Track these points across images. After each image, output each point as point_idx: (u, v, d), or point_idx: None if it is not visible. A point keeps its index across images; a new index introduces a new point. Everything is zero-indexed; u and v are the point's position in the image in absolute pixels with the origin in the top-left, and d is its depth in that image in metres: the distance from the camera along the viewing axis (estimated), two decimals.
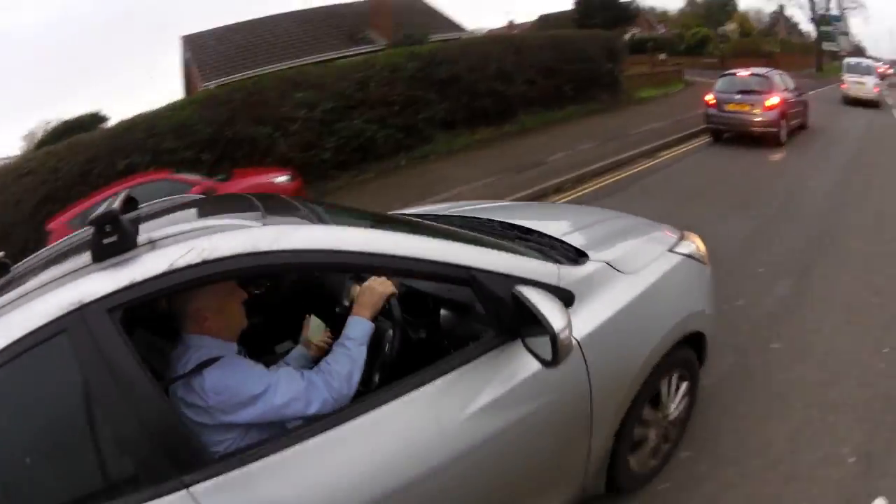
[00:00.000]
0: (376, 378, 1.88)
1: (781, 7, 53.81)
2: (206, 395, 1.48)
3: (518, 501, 1.93)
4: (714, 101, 11.33)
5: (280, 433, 1.52)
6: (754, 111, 10.77)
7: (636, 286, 2.21)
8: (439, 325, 2.10)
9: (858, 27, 70.73)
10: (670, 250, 2.53)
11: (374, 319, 1.84)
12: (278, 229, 1.57)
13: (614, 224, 2.87)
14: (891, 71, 54.01)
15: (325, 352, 1.84)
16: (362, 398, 1.60)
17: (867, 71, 21.76)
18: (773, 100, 10.74)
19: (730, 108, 11.08)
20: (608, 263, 2.19)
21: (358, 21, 20.60)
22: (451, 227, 2.43)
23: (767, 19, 60.17)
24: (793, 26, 59.35)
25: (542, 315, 1.60)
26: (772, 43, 46.32)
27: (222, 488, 1.35)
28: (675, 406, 2.53)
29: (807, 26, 49.45)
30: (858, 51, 62.36)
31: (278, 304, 2.65)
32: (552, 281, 1.92)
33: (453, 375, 1.69)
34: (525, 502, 1.95)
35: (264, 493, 1.38)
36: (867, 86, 20.73)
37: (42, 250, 2.13)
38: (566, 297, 1.92)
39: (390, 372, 1.86)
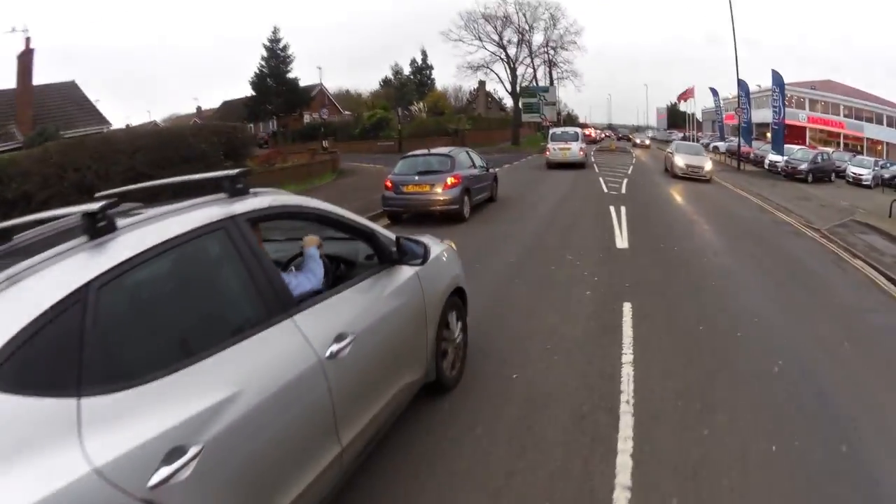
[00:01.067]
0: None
1: (482, 83, 54.93)
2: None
3: (404, 364, 3.32)
4: (391, 184, 11.31)
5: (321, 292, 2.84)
6: (435, 190, 10.95)
7: (436, 250, 3.98)
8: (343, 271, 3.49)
9: (571, 95, 74.52)
10: (442, 242, 4.34)
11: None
12: (302, 197, 3.01)
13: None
14: (604, 135, 59.82)
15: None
16: (343, 283, 2.98)
17: (574, 137, 24.76)
18: (454, 178, 11.08)
19: (408, 189, 11.14)
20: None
21: (6, 112, 18.91)
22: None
23: (468, 96, 61.65)
24: (495, 101, 61.21)
25: (419, 240, 3.32)
26: (461, 121, 46.28)
27: (308, 316, 2.54)
28: (457, 332, 4.19)
29: (511, 100, 51.46)
30: (570, 119, 67.38)
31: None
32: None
33: (371, 279, 3.16)
34: (406, 367, 3.35)
35: (324, 318, 2.64)
36: (572, 150, 23.69)
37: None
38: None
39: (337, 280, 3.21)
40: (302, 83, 46.37)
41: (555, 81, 50.86)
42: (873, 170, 28.09)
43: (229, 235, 2.35)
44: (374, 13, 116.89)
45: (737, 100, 34.05)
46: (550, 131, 27.54)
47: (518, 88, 49.03)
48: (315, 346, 2.49)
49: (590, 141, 42.01)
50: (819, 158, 27.62)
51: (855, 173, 27.98)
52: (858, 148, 45.51)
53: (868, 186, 26.30)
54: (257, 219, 2.57)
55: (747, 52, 74.14)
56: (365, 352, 2.80)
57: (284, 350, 2.36)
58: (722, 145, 40.25)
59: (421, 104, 51.36)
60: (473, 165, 12.57)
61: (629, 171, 23.79)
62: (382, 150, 35.92)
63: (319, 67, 57.61)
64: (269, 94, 42.54)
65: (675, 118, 72.84)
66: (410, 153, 12.66)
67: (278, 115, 42.50)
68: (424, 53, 58.85)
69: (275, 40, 43.08)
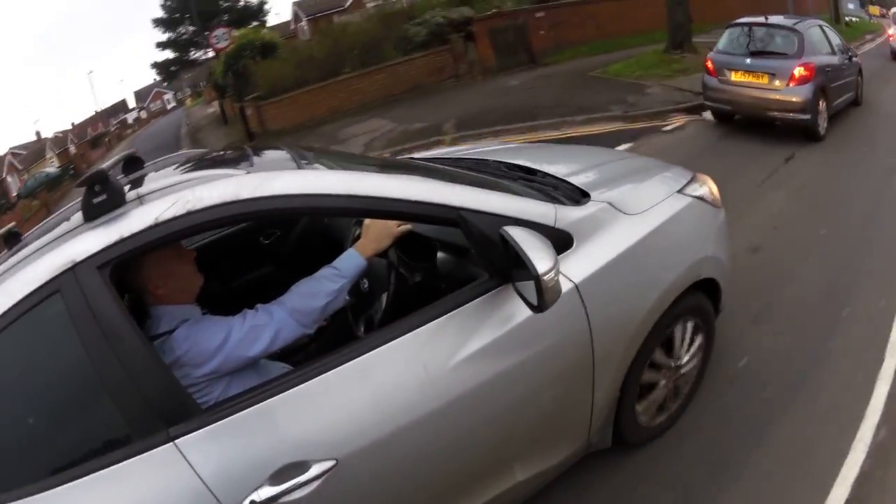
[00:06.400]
0: (362, 326, 1.96)
1: None
2: (175, 352, 1.50)
3: (519, 455, 1.88)
4: (713, 66, 7.63)
5: (264, 382, 1.50)
6: (774, 85, 6.95)
7: (641, 227, 2.09)
8: (437, 269, 2.03)
9: None
10: (680, 191, 2.38)
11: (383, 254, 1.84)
12: (261, 176, 1.56)
13: (622, 164, 2.75)
14: None
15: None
16: (349, 345, 1.57)
17: None
18: (804, 68, 6.85)
19: (735, 77, 7.33)
20: (611, 204, 2.07)
21: None
22: (442, 168, 2.35)
23: None
24: None
25: (526, 256, 1.51)
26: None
27: (207, 439, 1.36)
28: (687, 357, 2.44)
29: None
30: None
31: (287, 253, 2.78)
32: (547, 221, 1.83)
33: (443, 320, 1.64)
34: (526, 456, 1.90)
35: (249, 442, 1.39)
36: None
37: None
38: (563, 239, 1.85)
39: (384, 316, 1.88)
40: None
41: None
42: None
43: (65, 302, 1.33)
44: None
45: None
46: (892, 10, 16.91)
47: None
48: (221, 492, 1.31)
49: None
50: None
51: None
52: None
53: None
54: (133, 252, 1.40)
55: None
56: (371, 479, 1.52)
57: None
58: None
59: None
60: (832, 50, 7.93)
61: None
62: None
63: None
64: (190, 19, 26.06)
65: None
66: (740, 20, 8.02)
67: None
68: None
69: None
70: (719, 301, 2.56)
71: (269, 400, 1.42)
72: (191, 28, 26.74)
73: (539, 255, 1.50)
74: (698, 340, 2.48)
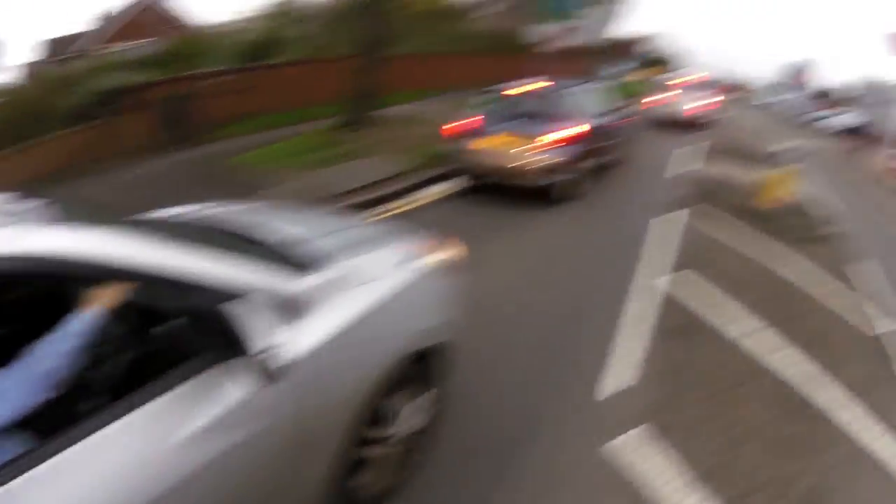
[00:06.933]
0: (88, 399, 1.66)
1: None
2: None
3: None
4: (468, 128, 7.54)
5: None
6: (532, 147, 7.00)
7: (369, 297, 2.16)
8: (168, 338, 1.84)
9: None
10: (410, 260, 2.50)
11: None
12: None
13: (352, 233, 2.76)
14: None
15: None
16: (73, 425, 1.36)
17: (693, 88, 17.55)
18: (565, 131, 7.05)
19: (490, 142, 7.24)
20: (340, 273, 2.11)
21: None
22: (169, 232, 2.13)
23: None
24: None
25: (243, 333, 1.42)
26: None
27: None
28: (411, 421, 2.50)
29: None
30: (658, 61, 40.18)
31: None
32: (273, 291, 1.80)
33: (168, 398, 1.52)
34: None
35: None
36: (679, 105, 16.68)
37: None
38: (289, 310, 1.83)
39: (111, 390, 1.68)
40: None
41: None
42: None
43: None
44: None
45: None
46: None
47: None
48: None
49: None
50: None
51: None
52: None
53: None
54: None
55: None
56: None
57: None
58: None
59: None
60: (598, 112, 8.32)
61: None
62: None
63: None
64: None
65: None
66: (504, 91, 8.21)
67: None
68: None
69: None
70: (447, 364, 2.73)
71: None
72: None
73: (263, 330, 1.44)
74: (423, 400, 2.58)
